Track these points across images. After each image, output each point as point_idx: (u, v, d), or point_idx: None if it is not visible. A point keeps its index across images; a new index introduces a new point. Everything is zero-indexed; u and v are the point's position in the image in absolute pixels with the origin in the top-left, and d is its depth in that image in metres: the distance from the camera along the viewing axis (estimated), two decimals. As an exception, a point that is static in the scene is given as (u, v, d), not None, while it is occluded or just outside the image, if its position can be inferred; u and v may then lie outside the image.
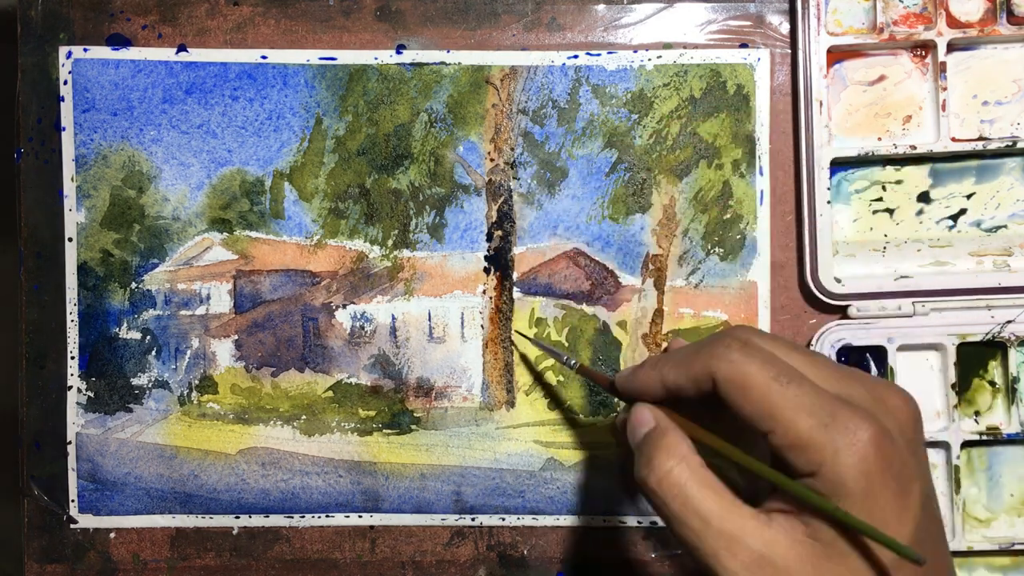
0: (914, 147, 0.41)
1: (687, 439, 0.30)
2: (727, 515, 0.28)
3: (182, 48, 0.42)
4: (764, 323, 0.42)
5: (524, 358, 0.42)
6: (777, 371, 0.28)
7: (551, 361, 0.42)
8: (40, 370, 0.43)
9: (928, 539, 0.28)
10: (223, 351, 0.43)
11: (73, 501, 0.43)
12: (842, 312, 0.42)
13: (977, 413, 0.42)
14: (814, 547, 0.28)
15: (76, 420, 0.43)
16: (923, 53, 0.41)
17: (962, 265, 0.42)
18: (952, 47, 0.41)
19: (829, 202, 0.41)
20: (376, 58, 0.42)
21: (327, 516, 0.43)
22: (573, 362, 0.38)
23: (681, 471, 0.29)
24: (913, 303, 0.41)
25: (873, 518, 0.27)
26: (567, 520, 0.42)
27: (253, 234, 0.42)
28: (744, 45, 0.42)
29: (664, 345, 0.42)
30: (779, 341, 0.31)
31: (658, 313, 0.42)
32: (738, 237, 0.42)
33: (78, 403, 0.43)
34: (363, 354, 0.43)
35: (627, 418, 0.32)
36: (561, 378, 0.42)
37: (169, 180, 0.42)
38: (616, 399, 0.38)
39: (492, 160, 0.42)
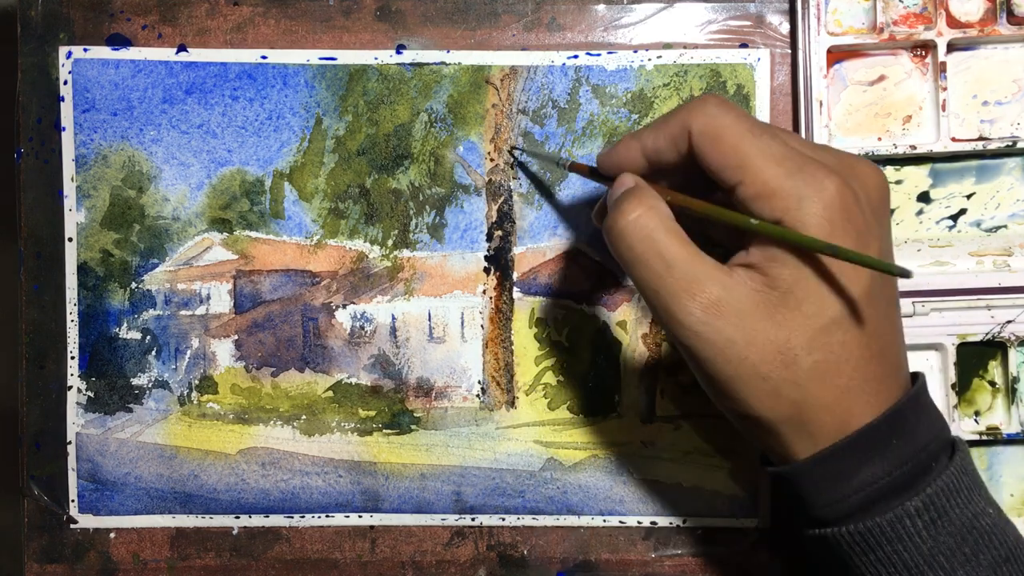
0: (914, 147, 0.41)
1: (660, 197, 0.31)
2: (690, 260, 0.29)
3: (182, 48, 0.42)
4: (764, 323, 0.42)
5: (523, 167, 0.42)
6: (751, 124, 0.29)
7: (551, 361, 0.42)
8: (40, 370, 0.43)
9: (881, 298, 0.29)
10: (223, 351, 0.43)
11: (73, 501, 0.43)
12: (842, 312, 0.42)
13: (977, 413, 0.42)
14: (771, 295, 0.29)
15: (76, 420, 0.43)
16: (923, 53, 0.41)
17: (962, 265, 0.42)
18: (952, 47, 0.41)
19: (829, 202, 0.41)
20: (376, 58, 0.42)
21: (327, 516, 0.43)
22: (566, 159, 0.38)
23: (650, 217, 0.30)
24: (913, 303, 0.41)
25: (833, 261, 0.28)
26: (567, 520, 0.42)
27: (253, 234, 0.42)
28: (744, 45, 0.42)
29: (663, 345, 0.42)
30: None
31: (658, 313, 0.42)
32: (738, 237, 0.42)
33: (78, 403, 0.43)
34: (363, 354, 0.43)
35: (600, 208, 0.33)
36: (561, 378, 0.42)
37: (169, 180, 0.42)
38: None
39: (492, 160, 0.42)
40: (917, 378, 0.31)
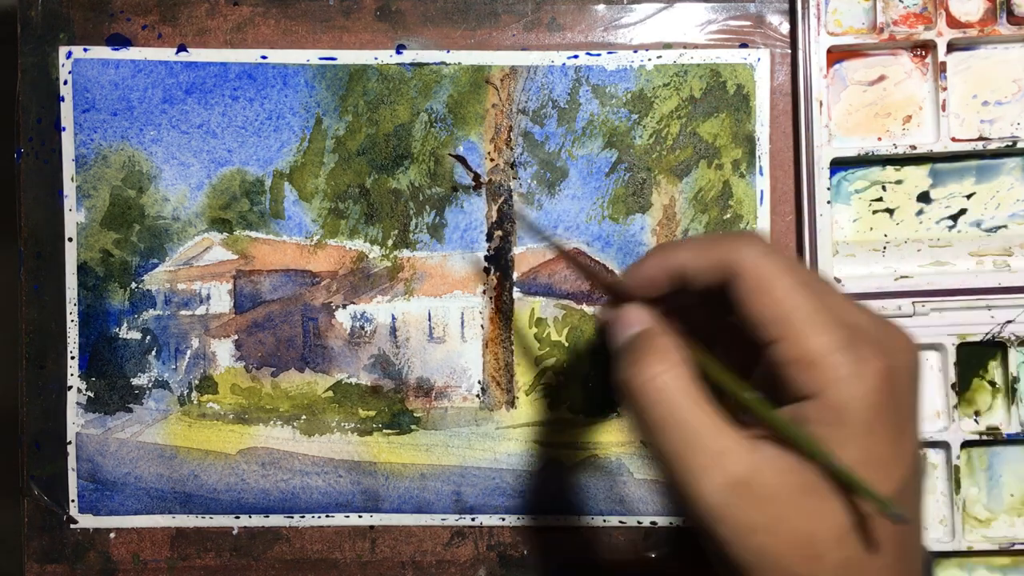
0: (914, 147, 0.41)
1: (683, 350, 0.28)
2: (713, 433, 0.26)
3: (182, 48, 0.42)
4: (764, 323, 0.42)
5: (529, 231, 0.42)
6: (804, 278, 0.26)
7: (551, 360, 0.42)
8: (40, 370, 0.43)
9: (912, 494, 0.26)
10: (223, 351, 0.43)
11: (73, 501, 0.43)
12: (842, 312, 0.41)
13: (977, 413, 0.42)
14: (799, 481, 0.26)
15: (76, 420, 0.43)
16: (923, 53, 0.41)
17: (962, 265, 0.42)
18: (952, 47, 0.41)
19: (829, 202, 0.41)
20: (376, 58, 0.42)
21: (327, 516, 0.43)
22: (564, 241, 0.38)
23: (671, 378, 0.27)
24: (913, 303, 0.41)
25: (871, 456, 0.25)
26: (567, 520, 0.42)
27: (253, 234, 0.42)
28: (744, 45, 0.42)
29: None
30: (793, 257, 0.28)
31: (658, 313, 0.42)
32: (738, 237, 0.42)
33: (78, 403, 0.43)
34: (363, 354, 0.43)
35: (606, 315, 0.30)
36: (561, 378, 0.42)
37: (169, 180, 0.42)
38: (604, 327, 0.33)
39: (492, 160, 0.42)
40: None
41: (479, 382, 0.42)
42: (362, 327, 0.43)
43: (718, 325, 0.29)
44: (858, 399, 0.25)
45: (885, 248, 0.42)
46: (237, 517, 0.43)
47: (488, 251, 0.42)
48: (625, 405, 0.28)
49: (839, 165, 0.42)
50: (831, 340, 0.25)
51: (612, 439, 0.42)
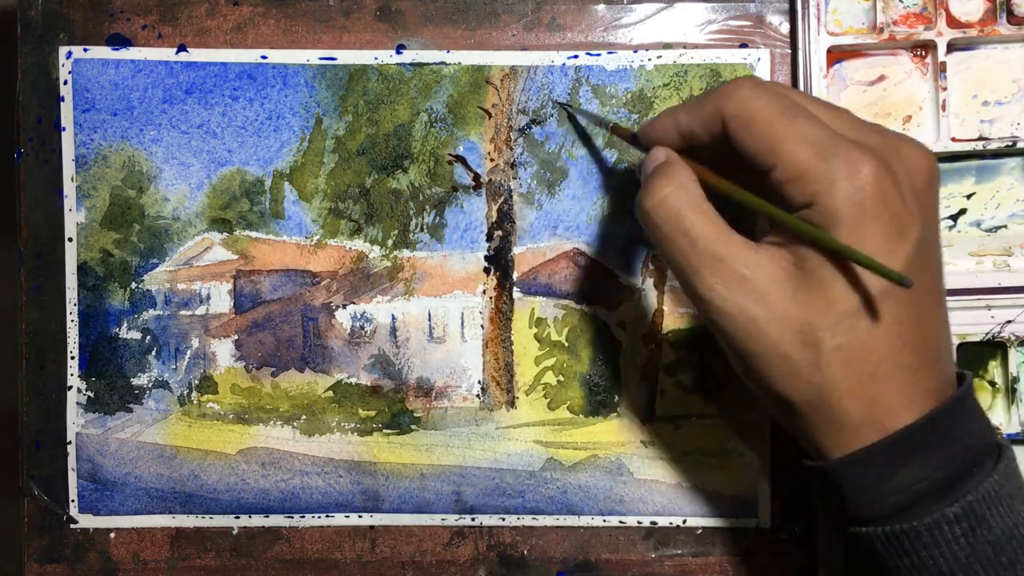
0: (914, 147, 0.41)
1: (691, 173, 0.31)
2: (716, 238, 0.29)
3: (182, 48, 0.42)
4: (764, 323, 0.42)
5: (572, 120, 0.42)
6: (784, 106, 0.29)
7: (552, 360, 0.42)
8: (40, 370, 0.43)
9: (919, 287, 0.28)
10: (223, 351, 0.43)
11: (73, 501, 0.43)
12: (842, 312, 0.42)
13: (977, 413, 0.42)
14: (796, 274, 0.28)
15: (76, 420, 0.43)
16: (923, 53, 0.42)
17: (962, 265, 0.42)
18: (952, 47, 0.41)
19: (829, 202, 0.41)
20: (376, 58, 0.42)
21: (327, 516, 0.43)
22: (608, 121, 0.39)
23: (679, 196, 0.30)
24: (913, 303, 0.41)
25: (861, 248, 0.27)
26: (567, 520, 0.42)
27: (253, 234, 0.42)
28: (744, 45, 0.42)
29: (663, 345, 0.42)
30: (798, 91, 0.31)
31: (658, 313, 0.42)
32: (738, 237, 0.42)
33: (78, 403, 0.43)
34: (363, 354, 0.43)
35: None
36: (561, 378, 0.42)
37: (169, 180, 0.42)
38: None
39: (492, 160, 0.42)
40: (964, 378, 0.30)
41: (479, 382, 0.42)
42: (362, 327, 0.43)
43: (735, 170, 0.31)
44: (845, 198, 0.27)
45: (885, 248, 0.42)
46: (237, 517, 0.43)
47: (488, 251, 0.42)
48: (642, 226, 0.31)
49: (839, 165, 0.42)
50: (814, 152, 0.28)
51: (612, 439, 0.42)
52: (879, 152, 0.28)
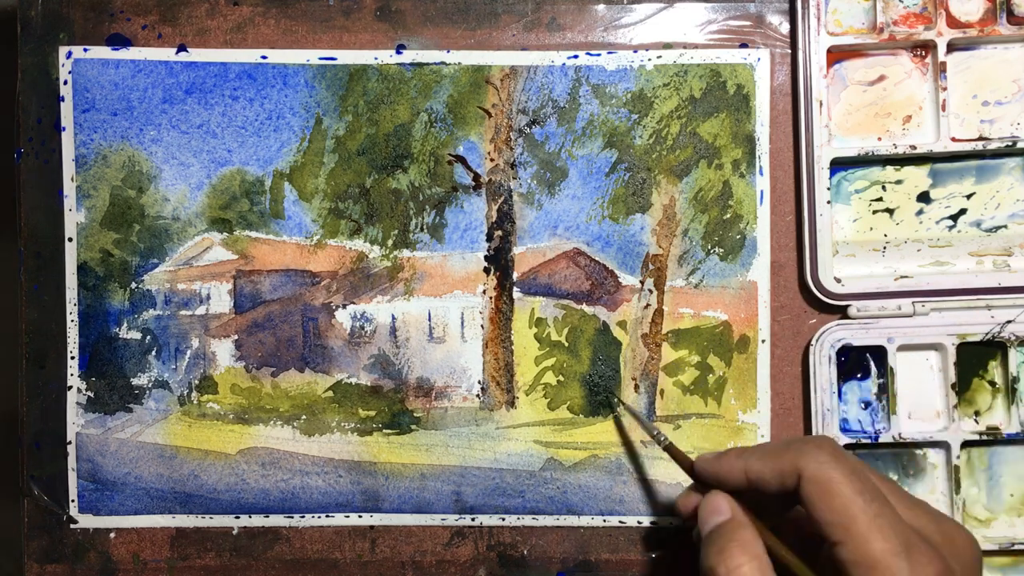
0: (914, 147, 0.41)
1: (760, 539, 0.31)
2: None
3: (182, 48, 0.42)
4: (764, 323, 0.42)
5: (619, 424, 0.42)
6: (863, 485, 0.29)
7: (551, 360, 0.42)
8: (40, 370, 0.43)
9: None
10: (223, 351, 0.43)
11: (73, 501, 0.43)
12: (842, 312, 0.42)
13: (977, 413, 0.42)
14: None
15: (76, 420, 0.43)
16: (923, 53, 0.41)
17: (962, 265, 0.42)
18: (952, 47, 0.41)
19: (829, 202, 0.41)
20: (376, 58, 0.42)
21: (327, 516, 0.43)
22: (662, 437, 0.38)
23: (752, 570, 0.30)
24: (913, 303, 0.41)
25: None
26: (567, 520, 0.42)
27: (253, 234, 0.42)
28: (744, 45, 0.42)
29: (663, 345, 0.42)
30: (870, 467, 0.32)
31: (658, 313, 0.42)
32: (738, 237, 0.42)
33: (78, 403, 0.43)
34: (363, 354, 0.43)
35: (688, 499, 0.34)
36: (561, 378, 0.42)
37: (169, 180, 0.42)
38: (687, 478, 0.38)
39: (492, 160, 0.42)
40: None
41: (479, 382, 0.42)
42: (362, 327, 0.43)
43: (786, 514, 0.33)
44: None
45: (885, 248, 0.42)
46: (237, 517, 0.43)
47: (488, 251, 0.42)
48: None
49: (839, 165, 0.42)
50: (890, 546, 0.28)
51: (612, 439, 0.42)
52: (940, 547, 0.29)
